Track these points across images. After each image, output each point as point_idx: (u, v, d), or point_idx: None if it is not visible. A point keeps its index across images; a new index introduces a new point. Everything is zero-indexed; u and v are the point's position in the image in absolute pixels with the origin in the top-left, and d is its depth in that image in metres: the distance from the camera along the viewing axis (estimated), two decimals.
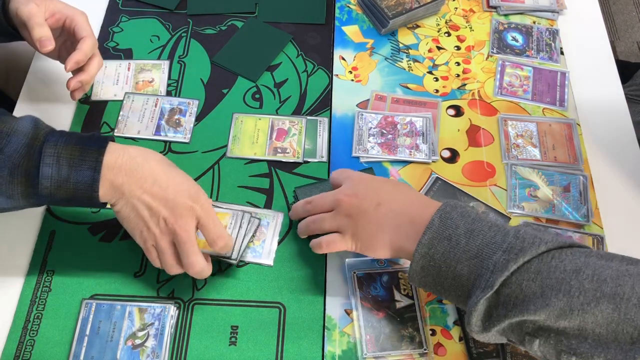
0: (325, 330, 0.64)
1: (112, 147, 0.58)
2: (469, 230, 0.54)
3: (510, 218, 0.72)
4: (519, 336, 0.52)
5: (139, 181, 0.58)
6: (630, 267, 0.50)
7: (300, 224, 0.67)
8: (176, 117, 0.79)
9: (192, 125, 0.78)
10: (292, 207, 0.69)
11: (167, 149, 0.76)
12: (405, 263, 0.68)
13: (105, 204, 0.60)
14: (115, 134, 0.77)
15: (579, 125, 0.81)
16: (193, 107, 0.80)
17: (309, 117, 0.80)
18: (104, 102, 0.80)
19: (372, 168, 0.74)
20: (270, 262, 0.68)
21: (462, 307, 0.56)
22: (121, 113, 0.79)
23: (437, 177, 0.75)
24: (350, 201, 0.62)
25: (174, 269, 0.61)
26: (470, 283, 0.53)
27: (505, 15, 0.93)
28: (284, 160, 0.76)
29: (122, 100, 0.80)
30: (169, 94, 0.81)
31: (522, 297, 0.50)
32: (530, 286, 0.50)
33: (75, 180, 0.56)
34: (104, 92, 0.80)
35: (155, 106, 0.79)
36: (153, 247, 0.61)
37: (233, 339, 0.63)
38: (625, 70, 1.12)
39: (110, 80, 0.81)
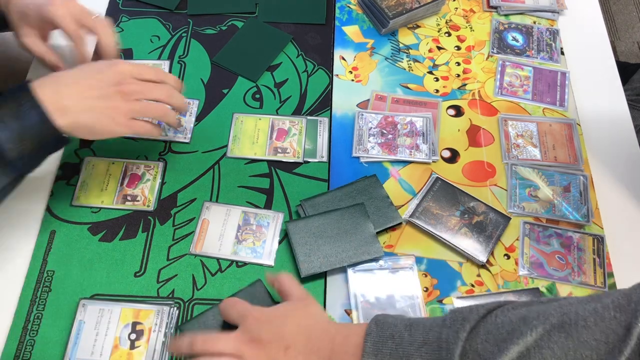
0: None
1: (33, 83, 0.59)
2: (407, 325, 0.53)
3: (510, 218, 0.72)
4: None
5: (73, 89, 0.60)
6: (571, 299, 0.50)
7: None
8: (176, 117, 0.79)
9: (192, 125, 0.78)
10: (174, 344, 0.59)
11: (167, 149, 0.76)
12: (406, 263, 0.68)
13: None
14: None
15: (579, 125, 0.81)
16: (193, 107, 0.80)
17: (309, 117, 0.80)
18: None
19: (376, 175, 0.73)
20: (271, 262, 0.68)
21: None
22: None
23: (438, 177, 0.75)
24: (256, 354, 0.54)
25: (161, 109, 0.66)
26: None
27: (506, 15, 0.93)
28: (284, 160, 0.76)
29: None
30: None
31: None
32: (486, 347, 0.49)
33: (29, 124, 0.57)
34: None
35: None
36: (134, 120, 0.64)
37: None
38: (625, 71, 1.12)
39: None
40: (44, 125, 0.58)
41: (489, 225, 0.71)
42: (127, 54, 0.84)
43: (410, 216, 0.71)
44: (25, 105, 0.57)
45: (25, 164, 0.59)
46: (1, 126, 0.56)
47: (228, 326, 0.59)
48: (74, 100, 0.60)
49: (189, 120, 0.79)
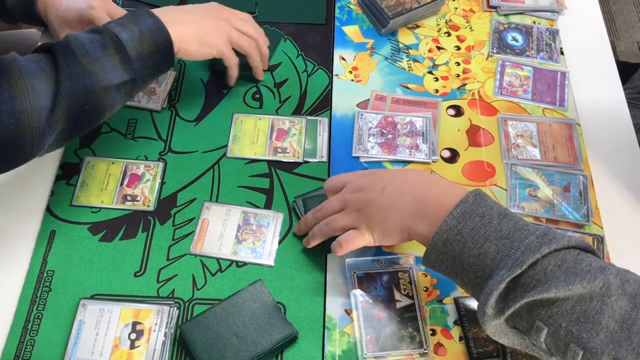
0: (325, 330, 0.64)
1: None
2: (502, 214, 0.54)
3: None
4: (528, 323, 0.51)
5: (182, 11, 0.72)
6: None
7: (313, 229, 0.66)
8: (151, 85, 0.80)
9: (165, 95, 0.80)
10: (302, 219, 0.69)
11: (167, 149, 0.76)
12: (406, 262, 0.68)
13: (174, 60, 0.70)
14: None
15: (579, 125, 0.81)
16: (170, 77, 0.82)
17: (309, 117, 0.80)
18: None
19: (368, 168, 0.74)
20: (271, 262, 0.68)
21: (473, 291, 0.55)
22: None
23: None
24: (357, 197, 0.62)
25: (253, 43, 0.78)
26: (494, 263, 0.52)
27: (505, 15, 0.93)
28: (284, 160, 0.76)
29: None
30: (169, 94, 0.81)
31: (545, 280, 0.50)
32: (554, 271, 0.50)
33: (147, 29, 0.66)
34: None
35: None
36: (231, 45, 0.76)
37: None
38: (625, 70, 1.12)
39: None
40: (159, 30, 0.66)
41: None
42: None
43: None
44: (142, 15, 0.67)
45: (141, 66, 0.65)
46: (124, 28, 0.64)
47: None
48: (183, 17, 0.71)
49: (163, 90, 0.81)
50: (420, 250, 0.69)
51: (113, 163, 0.74)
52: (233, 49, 0.76)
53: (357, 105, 0.81)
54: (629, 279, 0.49)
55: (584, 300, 0.48)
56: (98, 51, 0.62)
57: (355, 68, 0.85)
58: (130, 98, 0.67)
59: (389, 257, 0.69)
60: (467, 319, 0.64)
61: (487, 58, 0.88)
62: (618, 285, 0.48)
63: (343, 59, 0.86)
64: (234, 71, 0.78)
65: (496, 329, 0.53)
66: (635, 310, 0.47)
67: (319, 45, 0.87)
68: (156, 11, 0.68)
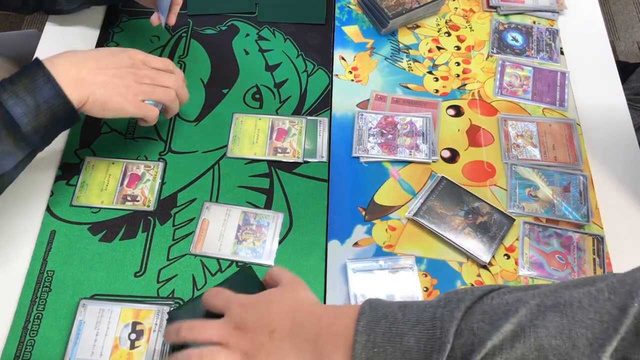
0: None
1: (47, 58, 0.62)
2: (401, 306, 0.52)
3: (514, 219, 0.72)
4: None
5: (89, 63, 0.63)
6: (566, 282, 0.50)
7: (179, 355, 0.54)
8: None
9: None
10: (165, 331, 0.59)
11: (167, 149, 0.76)
12: (406, 262, 0.68)
13: (79, 113, 0.63)
14: None
15: (579, 125, 0.81)
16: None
17: (309, 117, 0.80)
18: None
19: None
20: (271, 262, 0.68)
21: None
22: None
23: (443, 177, 0.74)
24: (243, 339, 0.53)
25: (171, 94, 0.69)
26: (422, 352, 0.49)
27: (505, 15, 0.93)
28: (284, 160, 0.76)
29: None
30: None
31: (478, 340, 0.48)
32: (482, 327, 0.48)
33: (44, 99, 0.59)
34: None
35: None
36: (143, 102, 0.66)
37: None
38: (625, 70, 1.12)
39: None
40: (58, 99, 0.60)
41: (492, 226, 0.71)
42: None
43: (414, 215, 0.71)
44: (39, 80, 0.59)
45: (40, 138, 0.61)
46: (16, 101, 0.58)
47: (214, 316, 0.57)
48: (89, 74, 0.63)
49: None
50: (421, 249, 0.69)
51: (113, 163, 0.74)
52: None
53: (357, 105, 0.81)
54: (545, 292, 0.48)
55: (518, 335, 0.47)
56: None
57: (355, 68, 0.85)
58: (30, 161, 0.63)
59: (389, 257, 0.69)
60: None
61: (487, 58, 0.88)
62: (538, 304, 0.48)
63: (343, 59, 0.86)
64: (154, 120, 0.69)
65: None
66: (565, 318, 0.46)
67: (319, 45, 0.87)
68: (57, 64, 0.61)
